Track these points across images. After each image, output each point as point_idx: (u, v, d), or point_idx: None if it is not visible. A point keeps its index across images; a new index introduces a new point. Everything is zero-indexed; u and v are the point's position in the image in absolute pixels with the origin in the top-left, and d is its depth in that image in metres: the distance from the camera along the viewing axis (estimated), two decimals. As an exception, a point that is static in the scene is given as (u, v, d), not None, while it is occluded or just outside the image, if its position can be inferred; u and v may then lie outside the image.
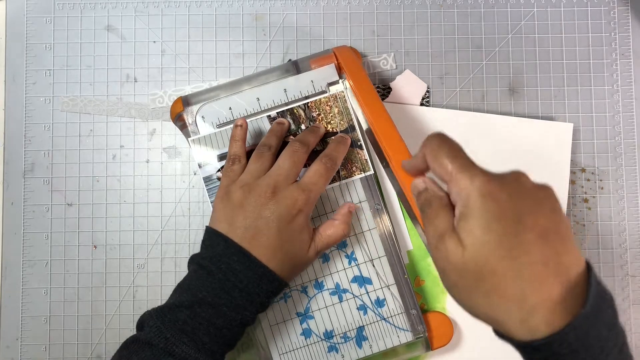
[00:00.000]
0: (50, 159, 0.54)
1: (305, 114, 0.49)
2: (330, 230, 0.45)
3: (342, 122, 0.49)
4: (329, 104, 0.49)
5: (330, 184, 0.48)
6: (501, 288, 0.29)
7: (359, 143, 0.48)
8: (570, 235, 0.30)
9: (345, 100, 0.48)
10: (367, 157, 0.48)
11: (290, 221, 0.42)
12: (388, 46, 0.55)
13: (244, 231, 0.41)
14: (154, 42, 0.55)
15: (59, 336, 0.53)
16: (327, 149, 0.46)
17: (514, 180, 0.32)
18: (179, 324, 0.39)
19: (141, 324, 0.41)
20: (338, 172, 0.48)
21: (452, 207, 0.33)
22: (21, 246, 0.53)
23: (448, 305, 0.52)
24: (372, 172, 0.48)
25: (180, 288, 0.42)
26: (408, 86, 0.54)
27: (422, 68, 0.54)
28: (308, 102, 0.48)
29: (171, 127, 0.54)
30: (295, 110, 0.49)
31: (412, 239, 0.52)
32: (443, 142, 0.34)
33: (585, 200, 0.54)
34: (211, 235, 0.42)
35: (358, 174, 0.48)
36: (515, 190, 0.31)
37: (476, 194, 0.31)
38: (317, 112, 0.49)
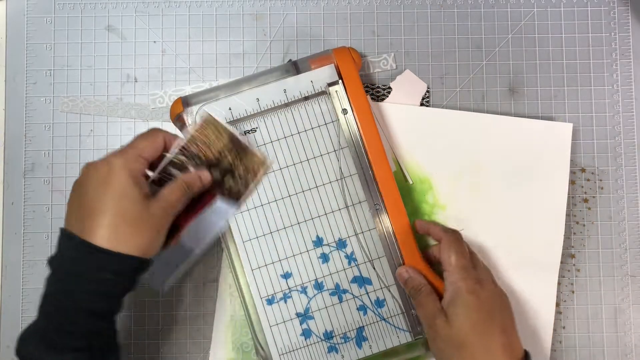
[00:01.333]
0: (50, 158, 0.54)
1: (187, 156, 0.45)
2: (167, 189, 0.42)
3: (220, 140, 0.46)
4: (201, 130, 0.46)
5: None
6: (474, 356, 0.42)
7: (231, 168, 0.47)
8: (516, 329, 0.44)
9: (215, 118, 0.46)
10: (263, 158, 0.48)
11: (105, 183, 0.39)
12: (388, 46, 0.55)
13: (74, 213, 0.40)
14: (154, 42, 0.55)
15: (59, 336, 0.53)
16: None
17: (492, 284, 0.45)
18: (39, 333, 0.39)
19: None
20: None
21: (435, 292, 0.45)
22: (21, 246, 0.53)
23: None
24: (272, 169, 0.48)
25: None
26: (408, 86, 0.54)
27: (422, 68, 0.54)
28: (184, 144, 0.45)
29: (171, 127, 0.54)
30: (177, 160, 0.45)
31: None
32: (458, 242, 0.46)
33: (585, 200, 0.54)
34: (60, 235, 0.41)
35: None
36: (491, 292, 0.44)
37: (464, 290, 0.43)
38: (195, 146, 0.45)
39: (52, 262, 0.41)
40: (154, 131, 0.44)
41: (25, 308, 0.53)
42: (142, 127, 0.54)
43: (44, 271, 0.53)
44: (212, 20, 0.55)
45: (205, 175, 0.45)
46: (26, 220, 0.54)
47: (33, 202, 0.54)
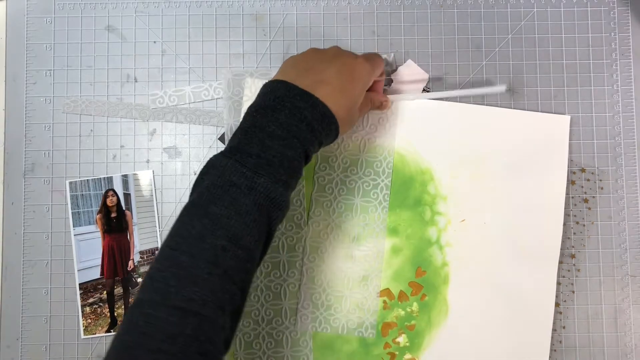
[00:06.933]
0: (50, 159, 0.54)
1: None
2: (375, 97, 0.50)
3: None
4: None
5: None
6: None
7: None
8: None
9: None
10: None
11: (352, 81, 0.44)
12: (388, 46, 0.55)
13: (308, 78, 0.43)
14: (154, 42, 0.55)
15: (59, 336, 0.53)
16: None
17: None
18: (253, 159, 0.40)
19: (211, 167, 0.40)
20: None
21: None
22: (21, 246, 0.53)
23: (450, 294, 0.52)
24: None
25: (242, 130, 0.42)
26: (409, 76, 0.54)
27: (422, 68, 0.54)
28: None
29: (171, 127, 0.54)
30: None
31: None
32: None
33: (585, 200, 0.54)
34: (271, 85, 0.43)
35: None
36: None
37: None
38: None
39: (273, 105, 0.42)
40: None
41: (25, 308, 0.53)
42: (142, 127, 0.54)
43: (44, 271, 0.53)
44: (212, 20, 0.55)
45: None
46: (26, 220, 0.54)
47: (33, 202, 0.54)
